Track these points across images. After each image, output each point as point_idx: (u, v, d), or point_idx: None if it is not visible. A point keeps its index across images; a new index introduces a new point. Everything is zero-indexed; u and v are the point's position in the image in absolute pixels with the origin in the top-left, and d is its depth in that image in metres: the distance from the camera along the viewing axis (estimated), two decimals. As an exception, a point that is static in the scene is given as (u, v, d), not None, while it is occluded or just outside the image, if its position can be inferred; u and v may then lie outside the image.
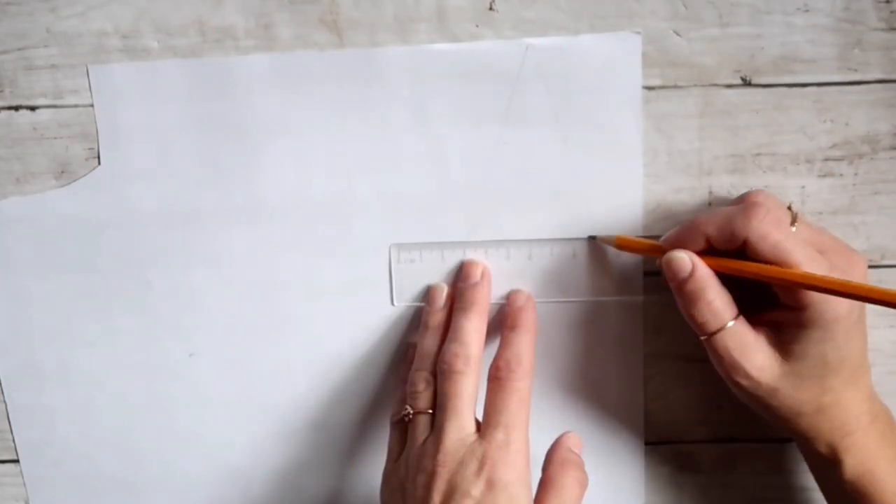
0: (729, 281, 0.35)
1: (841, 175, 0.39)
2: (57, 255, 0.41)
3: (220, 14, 0.38)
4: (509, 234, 0.40)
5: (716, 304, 0.35)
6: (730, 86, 0.38)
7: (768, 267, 0.33)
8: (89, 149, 0.40)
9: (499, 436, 0.35)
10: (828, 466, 0.37)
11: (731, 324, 0.35)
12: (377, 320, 0.42)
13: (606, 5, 0.37)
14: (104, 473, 0.45)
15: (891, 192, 0.39)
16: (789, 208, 0.35)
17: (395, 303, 0.41)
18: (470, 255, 0.40)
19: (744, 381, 0.35)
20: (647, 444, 0.42)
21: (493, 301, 0.40)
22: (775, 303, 0.35)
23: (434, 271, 0.41)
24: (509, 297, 0.40)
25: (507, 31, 0.38)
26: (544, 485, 0.35)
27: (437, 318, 0.40)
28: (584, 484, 0.36)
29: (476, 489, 0.34)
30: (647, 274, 0.40)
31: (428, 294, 0.41)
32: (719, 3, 0.37)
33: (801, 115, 0.38)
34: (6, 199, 0.41)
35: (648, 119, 0.38)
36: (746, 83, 0.38)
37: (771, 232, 0.33)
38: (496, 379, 0.36)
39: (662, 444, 0.43)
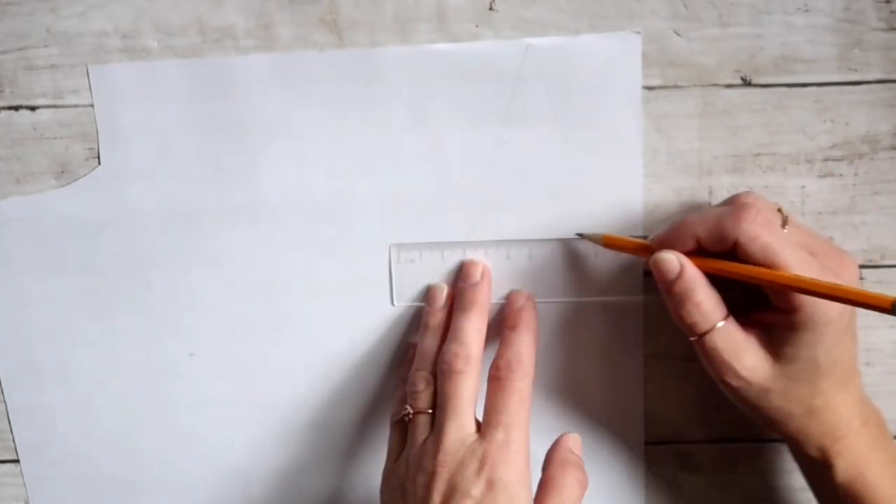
0: (720, 282, 0.35)
1: (841, 175, 0.39)
2: (57, 255, 0.41)
3: (220, 14, 0.38)
4: (509, 234, 0.40)
5: (705, 305, 0.34)
6: (730, 86, 0.38)
7: (758, 269, 0.33)
8: (89, 149, 0.40)
9: (499, 436, 0.35)
10: (819, 470, 0.36)
11: (720, 324, 0.34)
12: (377, 320, 0.42)
13: (606, 5, 0.37)
14: (104, 473, 0.45)
15: (891, 192, 0.39)
16: (780, 210, 0.34)
17: (395, 303, 0.41)
18: (470, 255, 0.40)
19: (734, 382, 0.35)
20: (647, 444, 0.42)
21: (493, 301, 0.40)
22: (767, 304, 0.34)
23: (434, 271, 0.41)
24: (509, 297, 0.40)
25: (507, 31, 0.38)
26: (544, 485, 0.35)
27: (437, 318, 0.40)
28: (584, 484, 0.36)
29: (476, 489, 0.34)
30: (647, 274, 0.40)
31: (428, 294, 0.41)
32: (719, 3, 0.37)
33: (801, 115, 0.38)
34: (6, 199, 0.41)
35: (648, 119, 0.38)
36: (746, 83, 0.38)
37: (761, 233, 0.33)
38: (496, 379, 0.36)
39: (662, 444, 0.43)
